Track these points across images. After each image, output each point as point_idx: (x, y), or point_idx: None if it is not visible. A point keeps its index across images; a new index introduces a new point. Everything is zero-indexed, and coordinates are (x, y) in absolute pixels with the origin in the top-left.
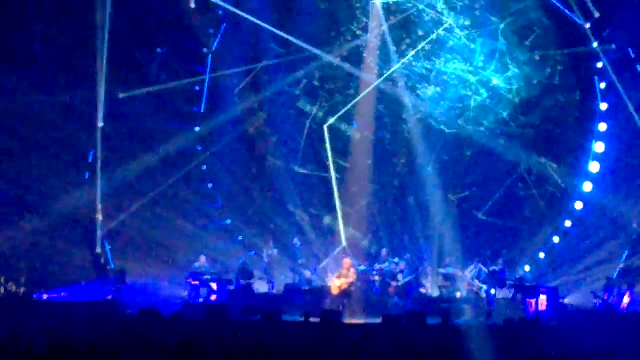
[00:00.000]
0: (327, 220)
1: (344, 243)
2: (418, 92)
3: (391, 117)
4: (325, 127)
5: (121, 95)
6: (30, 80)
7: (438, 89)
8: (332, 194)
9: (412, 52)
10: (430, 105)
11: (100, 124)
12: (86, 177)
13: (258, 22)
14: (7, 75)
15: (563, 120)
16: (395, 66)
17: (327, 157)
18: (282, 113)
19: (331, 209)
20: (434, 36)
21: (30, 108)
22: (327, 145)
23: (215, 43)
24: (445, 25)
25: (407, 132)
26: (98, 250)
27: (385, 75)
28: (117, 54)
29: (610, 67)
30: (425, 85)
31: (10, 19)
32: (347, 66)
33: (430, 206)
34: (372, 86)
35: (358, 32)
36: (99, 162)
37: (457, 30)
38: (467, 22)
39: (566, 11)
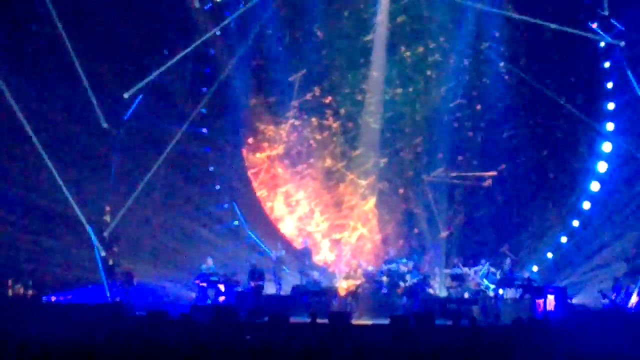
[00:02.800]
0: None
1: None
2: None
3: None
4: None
5: (126, 95)
6: (37, 82)
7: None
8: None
9: None
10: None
11: (104, 125)
12: (93, 179)
13: None
14: (13, 76)
15: (570, 120)
16: None
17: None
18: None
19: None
20: None
21: (36, 110)
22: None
23: (222, 45)
24: None
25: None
26: (102, 253)
27: None
28: (123, 55)
29: (619, 65)
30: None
31: (18, 22)
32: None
33: (438, 207)
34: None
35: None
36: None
37: None
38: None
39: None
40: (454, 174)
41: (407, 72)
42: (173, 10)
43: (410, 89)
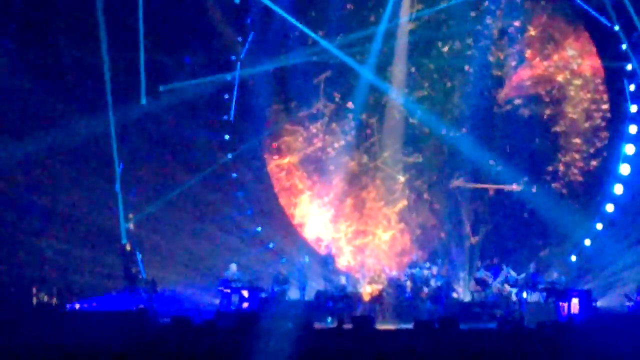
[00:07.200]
0: None
1: None
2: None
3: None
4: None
5: (143, 102)
6: (58, 90)
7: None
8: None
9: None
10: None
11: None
12: (117, 187)
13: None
14: (34, 86)
15: (593, 123)
16: None
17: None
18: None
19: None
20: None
21: (57, 118)
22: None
23: (244, 51)
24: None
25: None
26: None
27: None
28: (145, 62)
29: None
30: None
31: (39, 29)
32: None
33: (462, 211)
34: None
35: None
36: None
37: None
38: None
39: (594, 13)
40: (478, 185)
41: (438, 71)
42: (195, 18)
43: (435, 92)
